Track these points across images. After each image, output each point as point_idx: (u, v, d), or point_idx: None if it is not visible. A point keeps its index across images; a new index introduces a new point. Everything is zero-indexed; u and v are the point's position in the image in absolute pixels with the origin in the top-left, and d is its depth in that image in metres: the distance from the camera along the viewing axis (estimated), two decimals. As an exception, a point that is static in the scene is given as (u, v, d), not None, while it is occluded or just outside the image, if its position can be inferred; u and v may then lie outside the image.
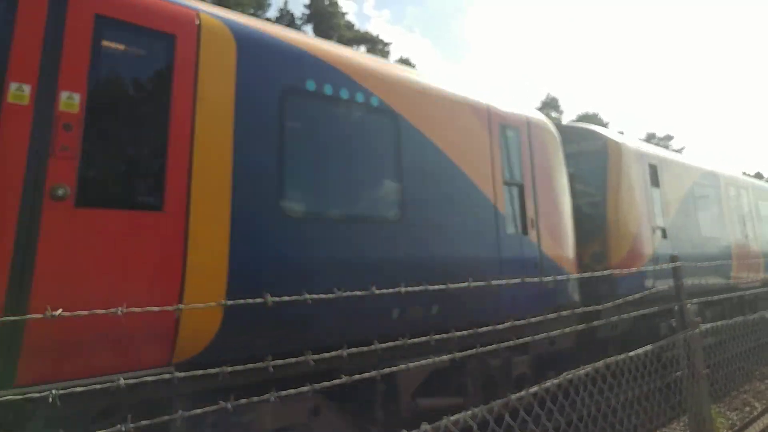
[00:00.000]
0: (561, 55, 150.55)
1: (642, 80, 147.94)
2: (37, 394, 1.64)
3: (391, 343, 2.63)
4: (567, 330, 3.58)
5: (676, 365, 4.32)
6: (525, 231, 6.04)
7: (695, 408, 4.29)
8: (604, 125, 50.24)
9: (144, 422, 1.84)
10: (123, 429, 1.73)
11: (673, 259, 4.47)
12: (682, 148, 59.98)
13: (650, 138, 58.37)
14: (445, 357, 2.85)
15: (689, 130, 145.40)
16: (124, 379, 1.79)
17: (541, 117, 7.14)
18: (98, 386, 1.77)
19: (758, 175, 54.88)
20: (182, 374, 1.96)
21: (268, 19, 30.01)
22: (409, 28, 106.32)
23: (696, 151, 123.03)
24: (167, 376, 1.94)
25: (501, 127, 6.08)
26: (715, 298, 6.08)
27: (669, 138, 61.50)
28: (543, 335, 3.44)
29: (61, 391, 1.65)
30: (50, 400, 1.61)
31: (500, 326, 3.18)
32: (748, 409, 7.27)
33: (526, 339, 3.30)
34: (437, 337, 2.77)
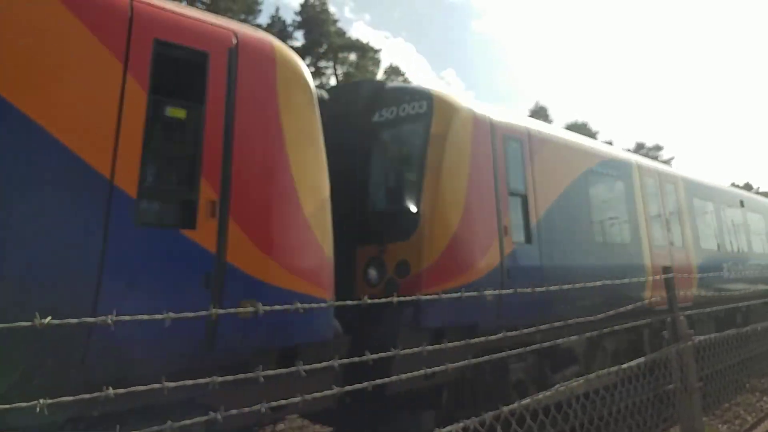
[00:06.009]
0: (551, 64, 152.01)
1: (632, 91, 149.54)
2: (24, 404, 1.61)
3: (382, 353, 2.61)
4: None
5: (669, 377, 4.31)
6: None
7: (687, 422, 4.28)
8: (593, 135, 50.35)
9: (133, 433, 1.81)
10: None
11: (667, 270, 4.48)
12: (672, 158, 60.44)
13: (639, 148, 58.61)
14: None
15: (679, 141, 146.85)
16: (113, 389, 1.76)
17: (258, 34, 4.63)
18: (87, 396, 1.74)
19: (747, 186, 55.26)
20: (173, 384, 1.94)
21: (258, 25, 30.00)
22: (396, 32, 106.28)
23: (685, 162, 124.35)
24: (157, 386, 1.91)
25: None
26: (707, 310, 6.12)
27: (658, 148, 61.86)
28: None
29: (49, 401, 1.62)
30: (38, 410, 1.58)
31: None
32: (738, 422, 7.28)
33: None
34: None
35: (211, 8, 27.15)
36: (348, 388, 2.41)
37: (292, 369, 2.25)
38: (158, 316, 1.94)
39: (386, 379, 2.55)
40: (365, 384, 2.41)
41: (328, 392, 2.30)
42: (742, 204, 13.44)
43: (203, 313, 2.11)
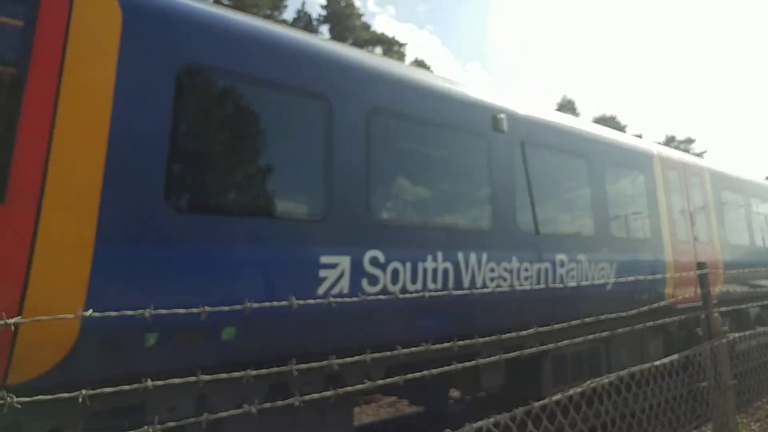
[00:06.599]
0: (578, 57, 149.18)
1: (663, 83, 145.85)
2: (67, 395, 1.66)
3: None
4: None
5: (703, 374, 4.23)
6: None
7: (721, 420, 4.20)
8: (622, 128, 49.12)
9: (170, 423, 1.84)
10: (150, 429, 1.74)
11: (701, 266, 4.38)
12: (704, 152, 58.82)
13: (670, 141, 57.11)
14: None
15: (712, 134, 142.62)
16: (152, 380, 1.80)
17: None
18: (126, 387, 1.78)
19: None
20: (207, 377, 1.97)
21: (284, 21, 30.13)
22: (421, 25, 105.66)
23: (718, 155, 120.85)
24: (192, 379, 1.95)
25: None
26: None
27: (690, 141, 60.22)
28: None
29: (91, 392, 1.66)
30: (80, 400, 1.62)
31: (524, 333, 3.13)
32: (772, 420, 7.08)
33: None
34: (461, 343, 2.75)
35: (238, 5, 27.34)
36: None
37: (324, 363, 2.27)
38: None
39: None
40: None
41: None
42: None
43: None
